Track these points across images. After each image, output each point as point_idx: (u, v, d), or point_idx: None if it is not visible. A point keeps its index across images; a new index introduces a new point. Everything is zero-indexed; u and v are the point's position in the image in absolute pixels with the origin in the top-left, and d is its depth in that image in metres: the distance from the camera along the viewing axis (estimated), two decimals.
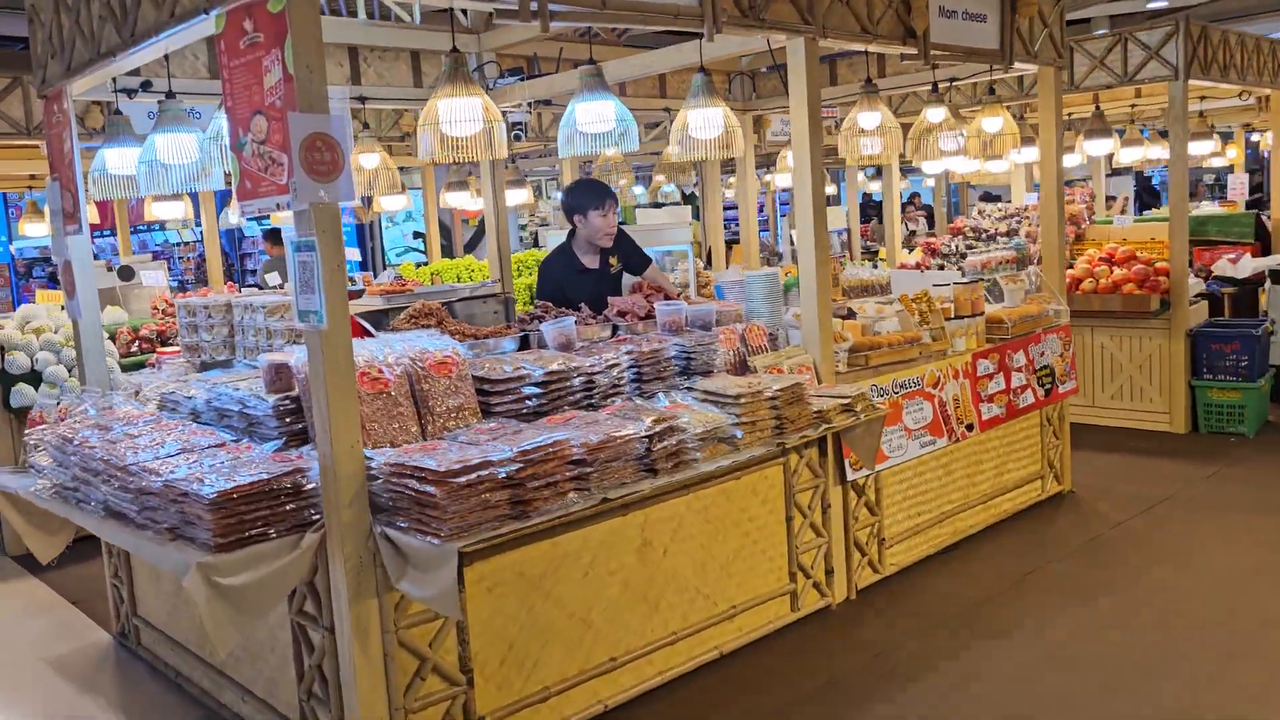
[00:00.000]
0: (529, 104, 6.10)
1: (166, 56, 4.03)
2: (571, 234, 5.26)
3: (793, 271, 5.78)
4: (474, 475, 2.97)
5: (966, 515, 5.41)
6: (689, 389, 4.07)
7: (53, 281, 16.26)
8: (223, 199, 11.46)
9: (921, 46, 4.87)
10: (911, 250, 9.36)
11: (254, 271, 19.40)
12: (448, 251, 14.53)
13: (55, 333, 6.63)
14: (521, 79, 5.83)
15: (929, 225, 15.34)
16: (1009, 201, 9.65)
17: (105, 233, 18.15)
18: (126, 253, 10.99)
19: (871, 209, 16.19)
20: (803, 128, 4.43)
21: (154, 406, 4.26)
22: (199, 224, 12.02)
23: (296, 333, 4.10)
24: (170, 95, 4.05)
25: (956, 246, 8.53)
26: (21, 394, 6.28)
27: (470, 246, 14.61)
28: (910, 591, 4.82)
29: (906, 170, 16.88)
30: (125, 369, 6.67)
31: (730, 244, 11.31)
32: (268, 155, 3.09)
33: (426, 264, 14.30)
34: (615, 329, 4.34)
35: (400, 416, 3.34)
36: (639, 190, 15.67)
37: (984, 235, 8.60)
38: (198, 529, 3.04)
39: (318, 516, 3.15)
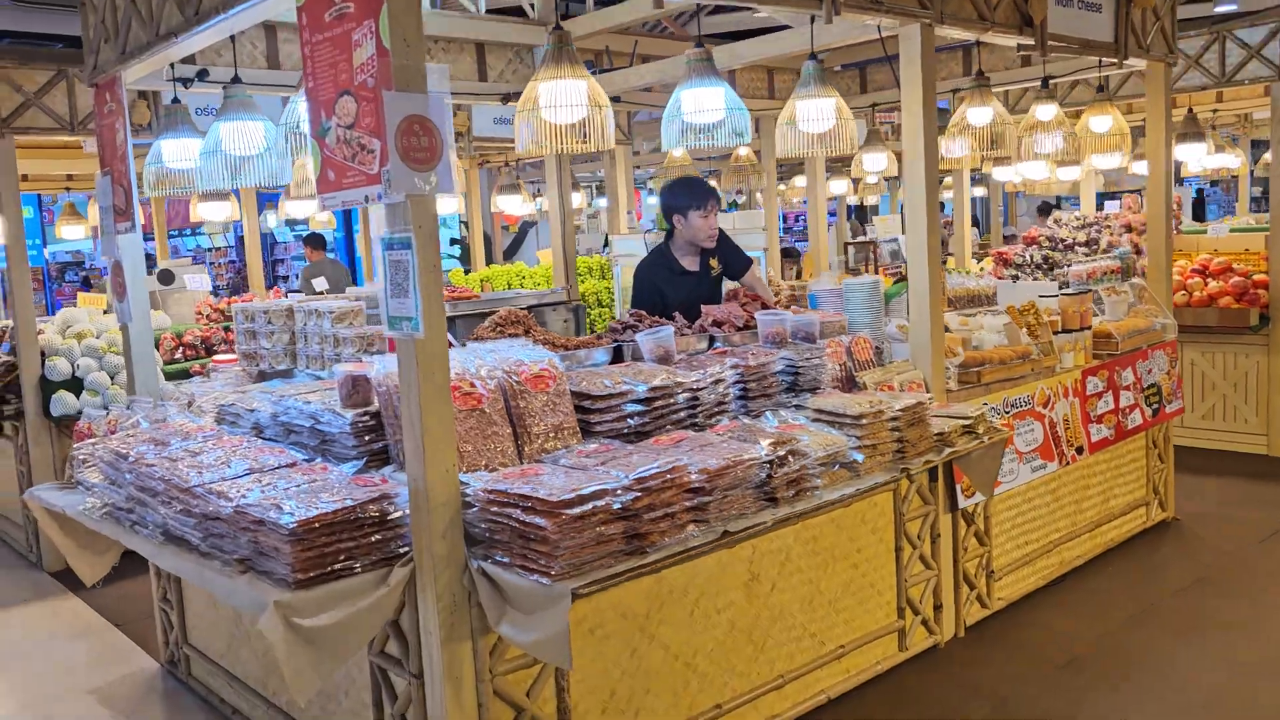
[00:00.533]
0: None
1: (233, 38, 3.71)
2: (669, 235, 4.91)
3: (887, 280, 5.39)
4: (588, 506, 2.61)
5: (1073, 545, 5.00)
6: (797, 407, 3.70)
7: (86, 285, 16.07)
8: (263, 201, 11.19)
9: (1039, 36, 4.49)
10: (980, 260, 8.95)
11: (286, 278, 19.17)
12: (487, 259, 14.22)
13: (97, 338, 6.34)
14: (593, 74, 5.47)
15: (977, 235, 14.90)
16: (1062, 210, 9.22)
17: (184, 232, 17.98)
18: (164, 257, 10.72)
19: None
20: (916, 122, 4.05)
21: (211, 419, 3.93)
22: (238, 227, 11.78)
23: (368, 341, 3.76)
24: (236, 80, 3.72)
25: (1032, 256, 8.12)
26: (62, 402, 5.98)
27: (509, 253, 14.29)
28: (1022, 629, 4.42)
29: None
30: (169, 376, 6.35)
31: (784, 252, 10.92)
32: (356, 141, 2.75)
33: (469, 270, 14.00)
34: (712, 340, 3.97)
35: (495, 436, 2.98)
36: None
37: (1060, 245, 8.18)
38: (274, 562, 2.69)
39: (405, 549, 2.80)
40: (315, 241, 10.61)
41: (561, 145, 3.17)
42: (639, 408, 3.26)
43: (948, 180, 14.24)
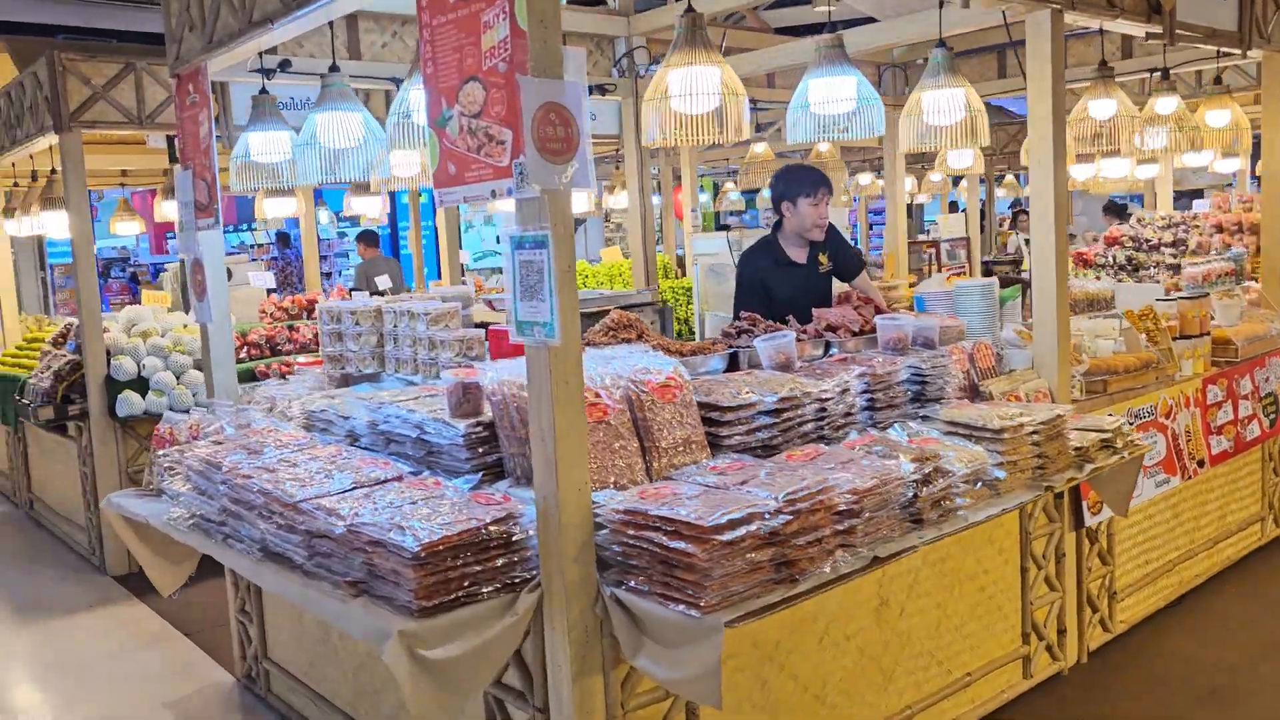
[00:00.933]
0: None
1: (332, 24, 3.51)
2: (777, 225, 4.68)
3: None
4: (740, 531, 2.38)
5: (1191, 564, 4.72)
6: (924, 418, 3.45)
7: (134, 281, 16.05)
8: (316, 197, 11.04)
9: (1167, 24, 4.21)
10: None
11: (329, 274, 19.06)
12: None
13: (162, 336, 6.19)
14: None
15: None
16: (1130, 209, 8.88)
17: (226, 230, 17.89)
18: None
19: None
20: (1045, 113, 3.79)
21: (297, 425, 3.74)
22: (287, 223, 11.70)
23: (467, 345, 3.55)
24: (334, 69, 3.52)
25: (1115, 257, 7.80)
26: (128, 402, 5.83)
27: None
28: (1147, 655, 4.15)
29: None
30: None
31: None
32: (483, 132, 2.54)
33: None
34: (828, 346, 3.73)
35: (622, 451, 2.76)
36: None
37: (1145, 245, 7.86)
38: (394, 587, 2.48)
39: (531, 574, 2.58)
40: (369, 239, 10.46)
41: (695, 136, 2.95)
42: (767, 419, 3.03)
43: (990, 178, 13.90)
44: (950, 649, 3.52)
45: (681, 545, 2.37)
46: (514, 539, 2.59)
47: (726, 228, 11.82)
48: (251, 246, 19.62)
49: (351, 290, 8.21)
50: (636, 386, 2.84)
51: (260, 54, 3.88)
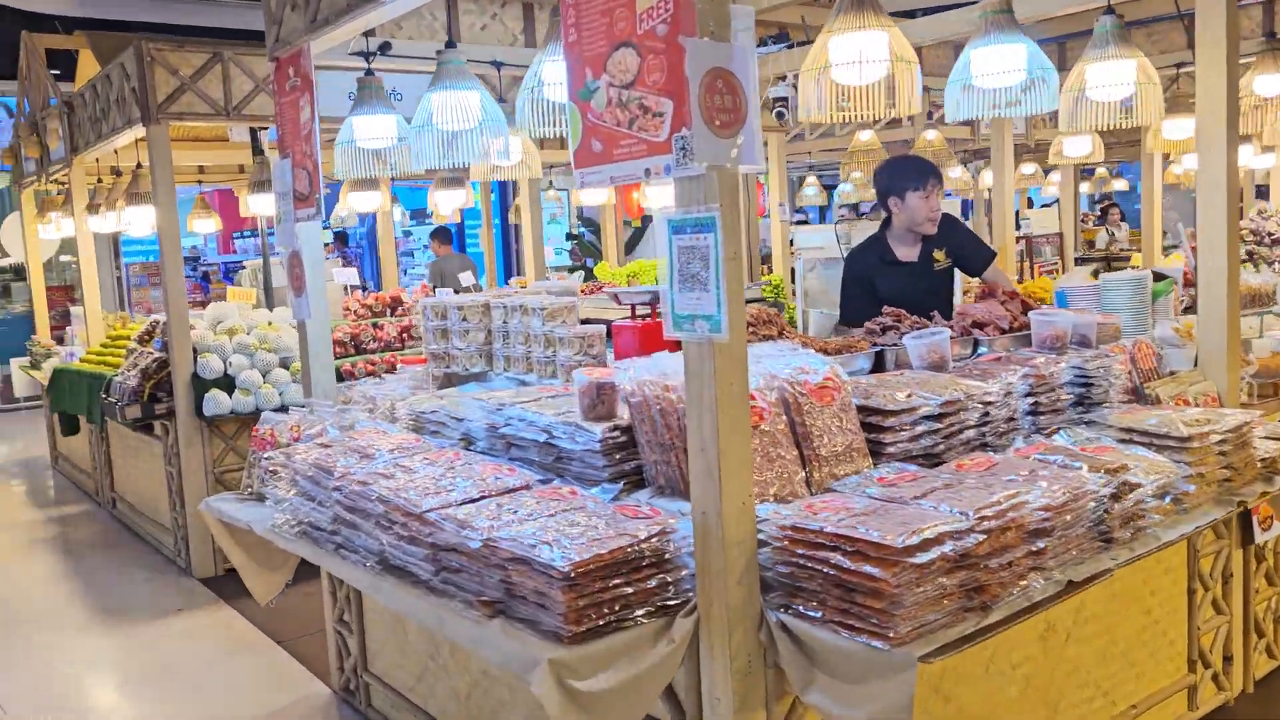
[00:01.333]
0: (793, 77, 5.22)
1: (450, 2, 3.29)
2: (886, 222, 4.37)
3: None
4: (933, 553, 2.10)
5: None
6: (1089, 424, 3.14)
7: (205, 280, 16.13)
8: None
9: None
10: (1167, 255, 8.20)
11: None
12: (598, 255, 13.79)
13: (248, 334, 6.05)
14: (788, 46, 4.97)
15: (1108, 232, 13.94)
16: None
17: (247, 234, 17.97)
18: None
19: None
20: (1216, 87, 3.44)
21: (404, 427, 3.53)
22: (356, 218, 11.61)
23: (587, 343, 3.31)
24: (451, 44, 3.29)
25: None
26: (215, 401, 5.69)
27: (630, 247, 13.84)
28: None
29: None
30: None
31: None
32: (636, 103, 2.28)
33: (589, 267, 13.58)
34: (976, 345, 3.43)
35: (780, 460, 2.49)
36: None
37: (1267, 239, 7.39)
38: (538, 609, 2.24)
39: (687, 596, 2.33)
40: (443, 236, 10.31)
41: (862, 110, 2.67)
42: (929, 424, 2.74)
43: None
44: (1116, 679, 3.20)
45: (867, 569, 2.09)
46: (666, 557, 2.33)
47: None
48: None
49: (435, 289, 8.03)
50: (794, 388, 2.57)
51: (365, 35, 3.67)
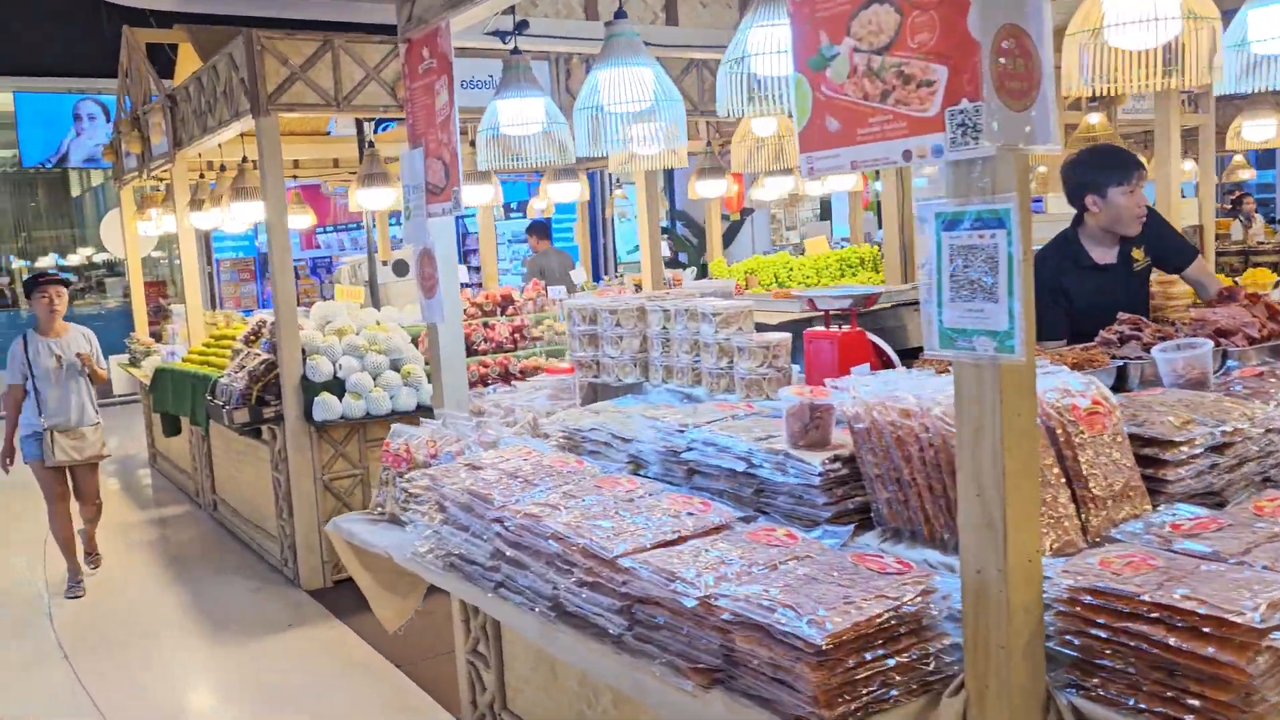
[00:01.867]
0: None
1: None
2: (1077, 220, 3.88)
3: None
4: None
5: None
6: None
7: (316, 273, 16.07)
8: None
9: None
10: None
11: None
12: (697, 252, 13.38)
13: (356, 334, 5.77)
14: None
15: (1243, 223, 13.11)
16: None
17: (329, 229, 17.88)
18: (386, 247, 10.32)
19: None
20: None
21: (554, 446, 3.16)
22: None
23: (773, 354, 2.90)
24: (621, 14, 2.91)
25: None
26: (325, 405, 5.42)
27: (726, 242, 13.41)
28: None
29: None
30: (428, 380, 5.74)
31: None
32: (894, 71, 1.87)
33: (681, 262, 13.18)
34: (1225, 356, 2.95)
35: (1053, 503, 2.06)
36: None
37: None
38: (779, 687, 1.84)
39: (951, 669, 1.91)
40: (541, 230, 10.00)
41: (1144, 79, 2.22)
42: (1212, 457, 2.29)
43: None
44: None
45: (1211, 651, 1.65)
46: (925, 623, 1.92)
47: None
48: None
49: (547, 287, 7.68)
50: (1060, 415, 2.14)
51: (512, 10, 3.31)
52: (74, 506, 5.96)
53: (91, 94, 13.97)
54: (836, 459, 2.29)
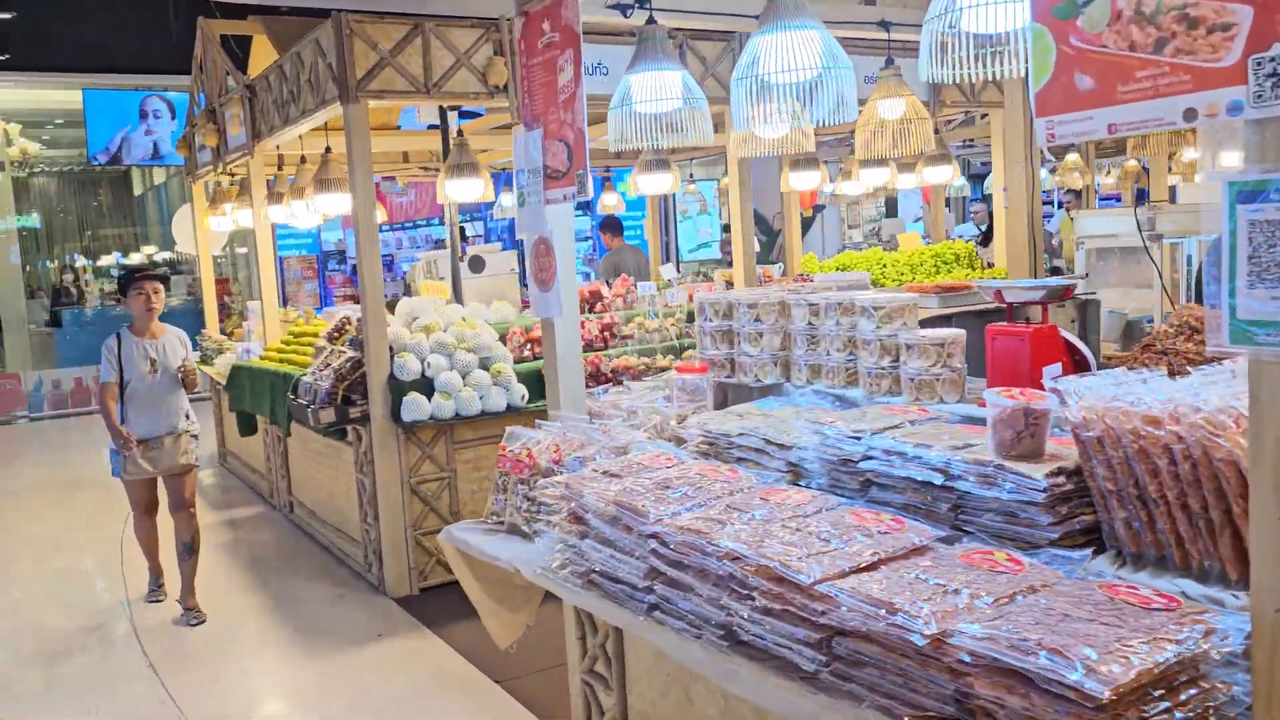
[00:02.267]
0: None
1: None
2: None
3: None
4: None
5: None
6: None
7: (355, 274, 16.00)
8: (501, 180, 10.44)
9: None
10: None
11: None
12: (766, 249, 13.07)
13: (444, 331, 5.56)
14: None
15: None
16: None
17: (383, 228, 17.79)
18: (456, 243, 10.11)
19: None
20: None
21: (694, 452, 2.90)
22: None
23: (947, 352, 2.61)
24: None
25: None
26: (414, 405, 5.21)
27: None
28: None
29: None
30: (520, 377, 5.51)
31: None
32: (1173, 14, 1.58)
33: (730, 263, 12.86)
34: None
35: None
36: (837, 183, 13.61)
37: None
38: None
39: None
40: (614, 226, 9.75)
41: None
42: None
43: None
44: None
45: None
46: (1201, 669, 1.63)
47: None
48: (437, 242, 19.28)
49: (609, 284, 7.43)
50: None
51: None
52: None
53: (158, 90, 13.98)
54: (1060, 472, 1.99)
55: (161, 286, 5.27)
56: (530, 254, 3.54)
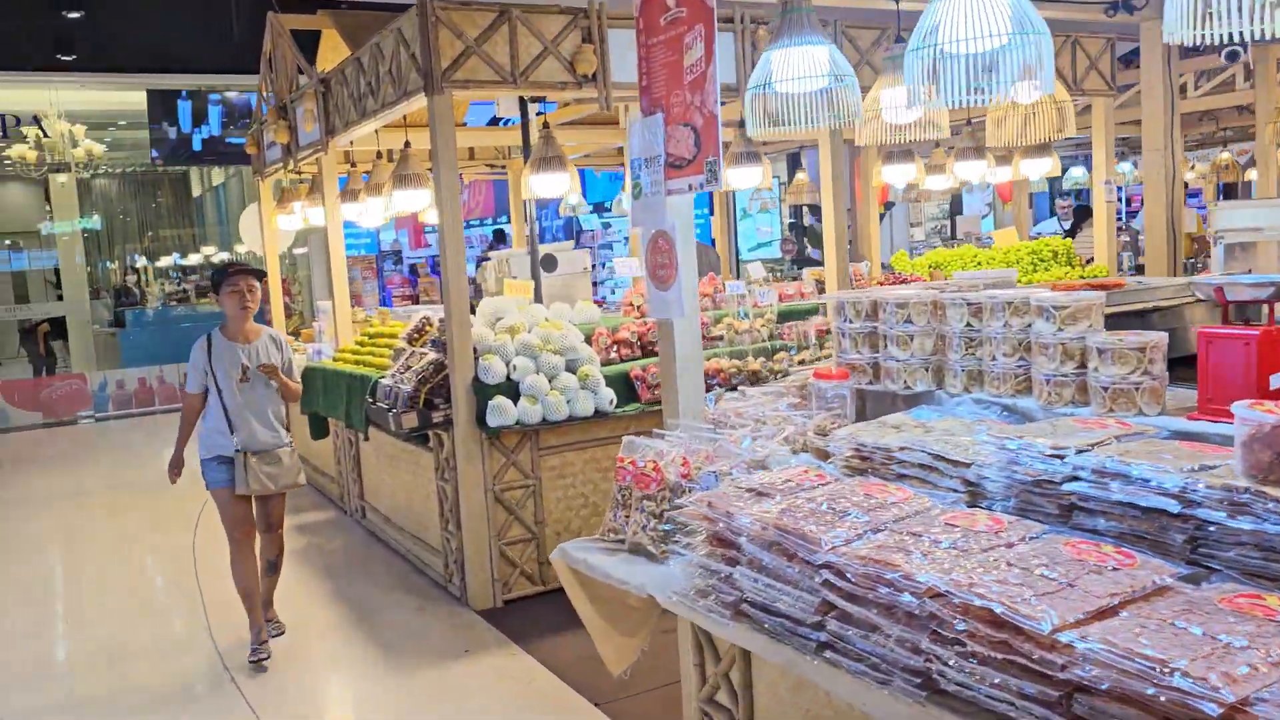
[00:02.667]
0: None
1: None
2: None
3: None
4: None
5: None
6: None
7: (414, 274, 15.90)
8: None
9: None
10: None
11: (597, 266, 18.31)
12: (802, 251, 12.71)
13: (529, 332, 5.32)
14: None
15: None
16: None
17: (430, 229, 17.68)
18: (520, 240, 9.92)
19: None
20: None
21: (840, 467, 2.62)
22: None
23: (1148, 358, 2.31)
24: None
25: None
26: (500, 410, 4.97)
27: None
28: None
29: None
30: (608, 381, 5.26)
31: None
32: None
33: (814, 258, 12.53)
34: None
35: None
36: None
37: None
38: None
39: None
40: None
41: None
42: None
43: None
44: None
45: None
46: None
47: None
48: (493, 240, 19.12)
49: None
50: None
51: None
52: None
53: (219, 90, 13.96)
54: None
55: (257, 283, 4.71)
56: (647, 250, 3.28)
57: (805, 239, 13.36)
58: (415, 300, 13.64)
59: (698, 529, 2.52)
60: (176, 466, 4.79)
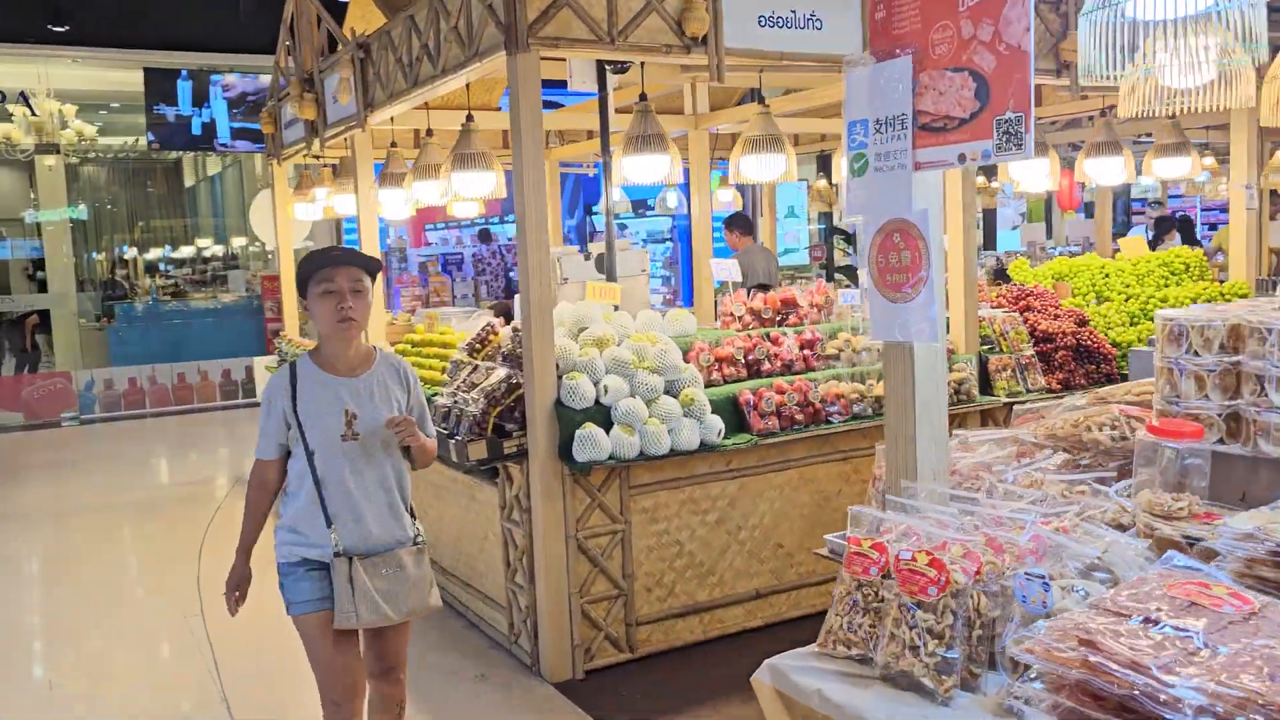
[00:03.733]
0: None
1: None
2: None
3: None
4: None
5: None
6: None
7: (424, 274, 14.93)
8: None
9: None
10: None
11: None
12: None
13: (618, 345, 4.42)
14: None
15: None
16: None
17: (436, 225, 16.74)
18: (558, 238, 9.02)
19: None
20: None
21: (1233, 574, 1.74)
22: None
23: None
24: None
25: None
26: (591, 441, 4.06)
27: None
28: None
29: None
30: (714, 407, 4.37)
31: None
32: None
33: (854, 266, 11.67)
34: None
35: None
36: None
37: None
38: None
39: None
40: (743, 225, 8.59)
41: None
42: None
43: None
44: None
45: None
46: None
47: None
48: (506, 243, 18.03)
49: (751, 290, 6.27)
50: None
51: None
52: None
53: (222, 70, 13.01)
54: None
55: (369, 280, 2.98)
56: (872, 247, 2.39)
57: (842, 243, 12.47)
58: (426, 302, 12.70)
59: (1048, 672, 1.63)
60: (238, 583, 3.05)
